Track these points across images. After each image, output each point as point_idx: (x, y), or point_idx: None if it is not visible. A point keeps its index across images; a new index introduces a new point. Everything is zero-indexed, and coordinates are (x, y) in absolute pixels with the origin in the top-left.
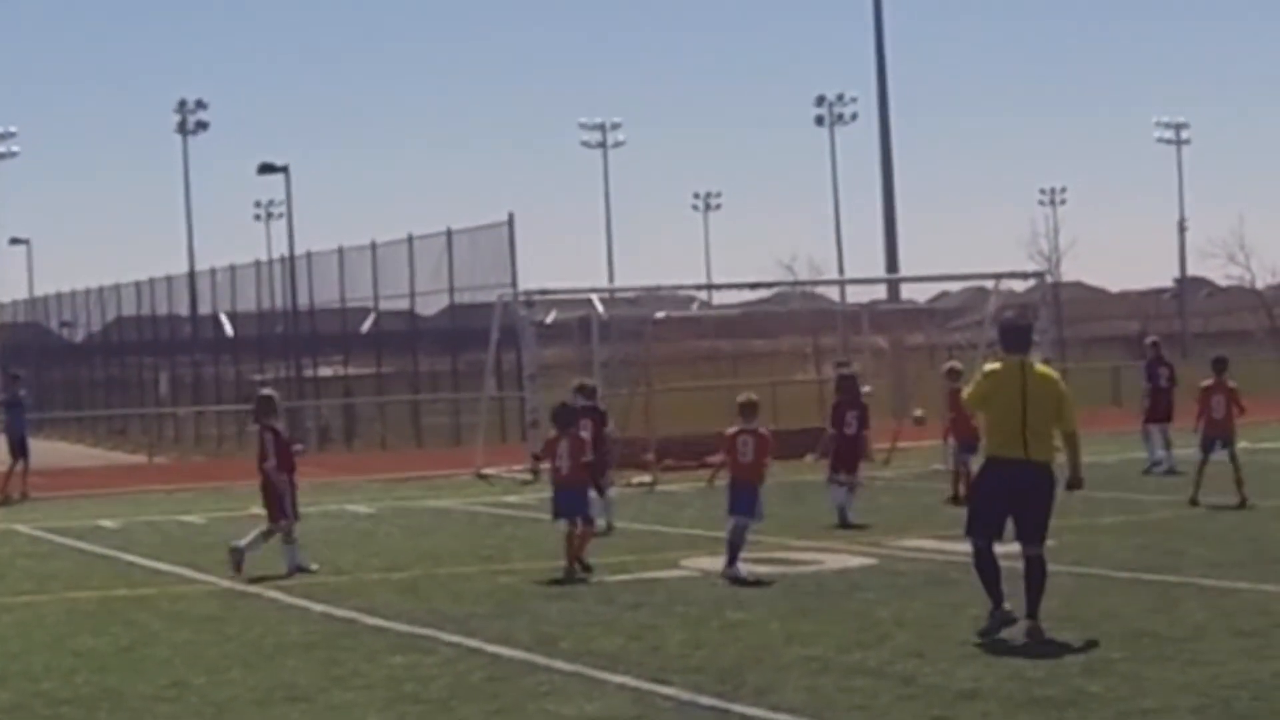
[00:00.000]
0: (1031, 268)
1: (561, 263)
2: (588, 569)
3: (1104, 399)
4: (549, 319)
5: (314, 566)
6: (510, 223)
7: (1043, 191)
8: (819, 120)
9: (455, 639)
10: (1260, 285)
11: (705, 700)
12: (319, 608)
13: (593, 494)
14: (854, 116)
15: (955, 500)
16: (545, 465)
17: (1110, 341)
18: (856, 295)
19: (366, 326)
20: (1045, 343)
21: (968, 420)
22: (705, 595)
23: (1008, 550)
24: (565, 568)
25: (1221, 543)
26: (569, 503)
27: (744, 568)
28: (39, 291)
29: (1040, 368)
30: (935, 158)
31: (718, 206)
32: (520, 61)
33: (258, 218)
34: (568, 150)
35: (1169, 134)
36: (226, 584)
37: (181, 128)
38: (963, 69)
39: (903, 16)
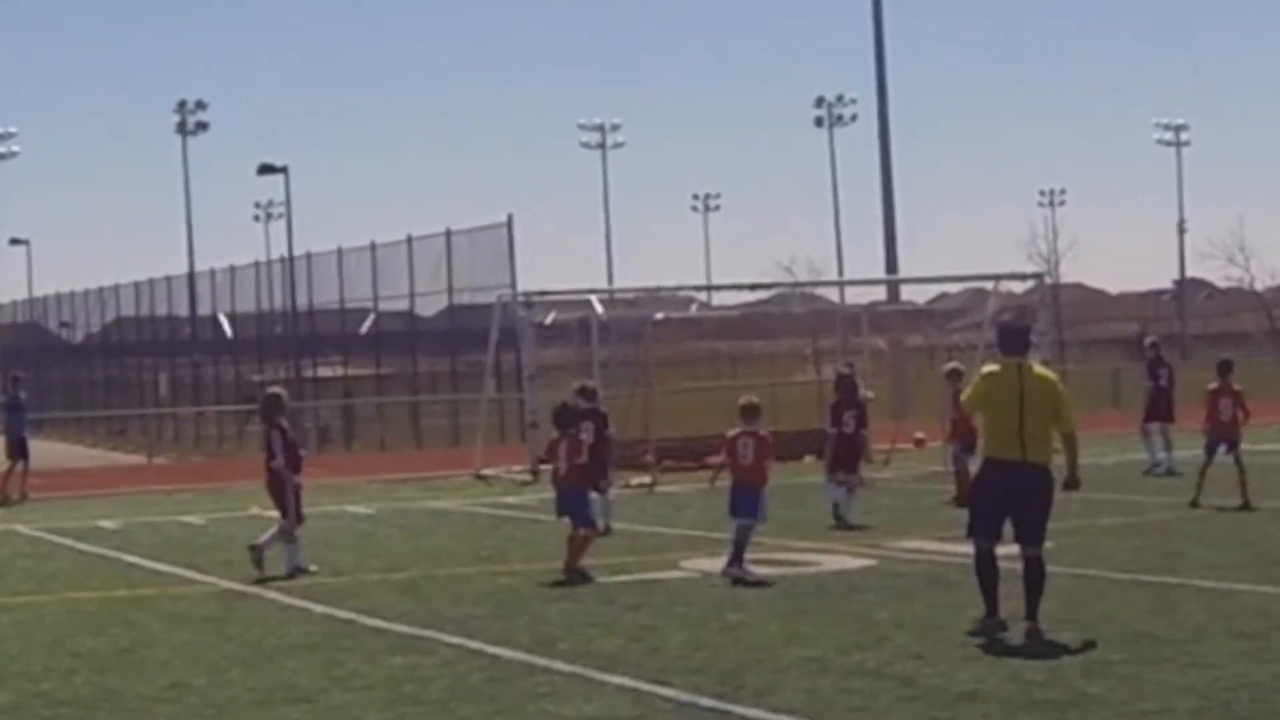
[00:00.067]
0: (1031, 269)
1: (561, 264)
2: (585, 578)
3: (1103, 401)
4: (548, 320)
5: (313, 568)
6: (509, 223)
7: (1042, 193)
8: (818, 121)
9: (455, 640)
10: (1260, 287)
11: (705, 701)
12: (319, 609)
13: (594, 495)
14: (853, 118)
15: (958, 502)
16: (548, 466)
17: (1110, 343)
18: (856, 296)
19: (366, 327)
20: (1045, 344)
21: (969, 421)
22: (705, 596)
23: (1007, 551)
24: (564, 567)
25: (1221, 545)
26: (566, 504)
27: (747, 571)
28: (38, 292)
29: (1038, 369)
30: (935, 159)
31: (717, 207)
32: (520, 62)
33: (257, 218)
34: (567, 151)
35: (1168, 135)
36: (226, 585)
37: (181, 128)
38: (962, 70)
39: (902, 18)
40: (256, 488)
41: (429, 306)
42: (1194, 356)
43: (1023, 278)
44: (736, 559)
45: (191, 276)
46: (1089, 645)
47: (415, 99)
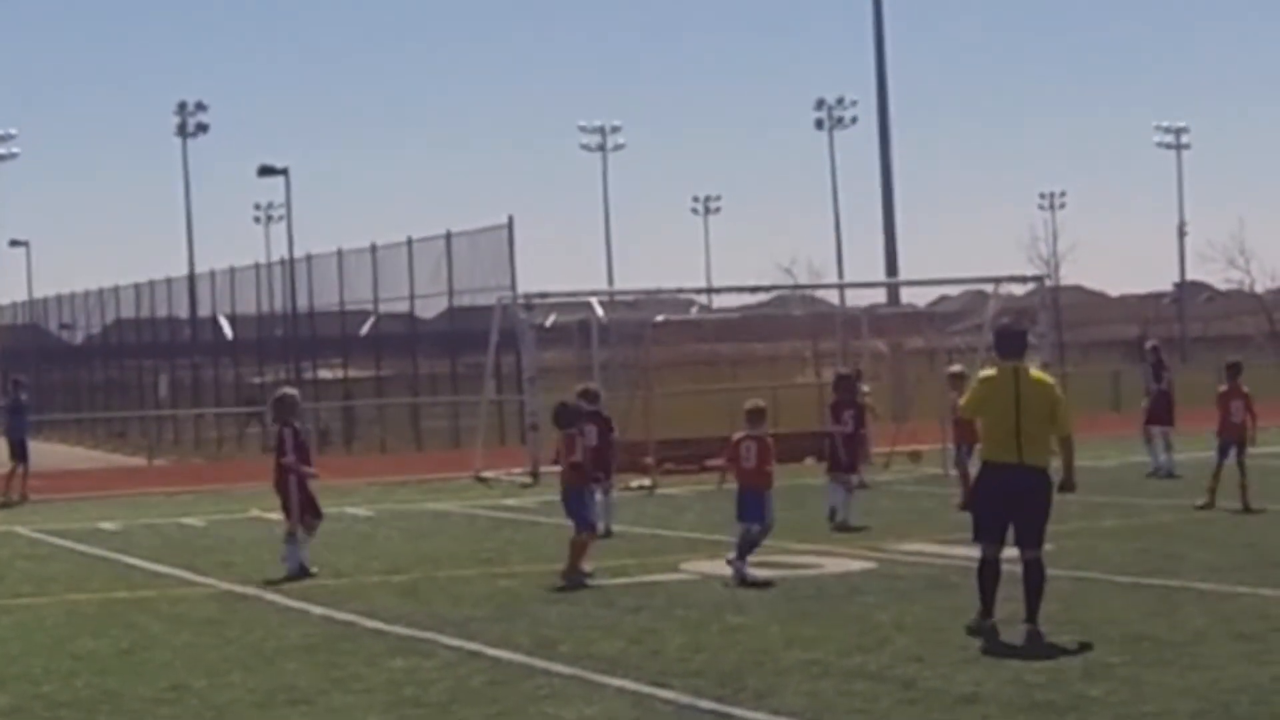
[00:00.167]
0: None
1: (561, 266)
2: (579, 582)
3: (1103, 403)
4: (548, 322)
5: (313, 569)
6: (510, 225)
7: (1042, 195)
8: (819, 124)
9: (455, 642)
10: (1260, 289)
11: (705, 704)
12: (319, 610)
13: (598, 497)
14: (854, 120)
15: (963, 505)
16: (559, 468)
17: (1110, 346)
18: (856, 299)
19: (366, 329)
20: (1045, 347)
21: (971, 424)
22: (705, 599)
23: (1007, 554)
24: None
25: (1221, 547)
26: (565, 504)
27: (749, 571)
28: (38, 293)
29: (1034, 372)
30: (935, 161)
31: (717, 210)
32: (520, 64)
33: (257, 220)
34: (567, 153)
35: (1169, 138)
36: (226, 587)
37: (181, 130)
38: (963, 73)
39: (903, 20)
40: (257, 490)
41: (429, 308)
42: (1194, 359)
43: (1023, 280)
44: (740, 555)
45: (192, 278)
46: (1084, 647)
47: (415, 100)
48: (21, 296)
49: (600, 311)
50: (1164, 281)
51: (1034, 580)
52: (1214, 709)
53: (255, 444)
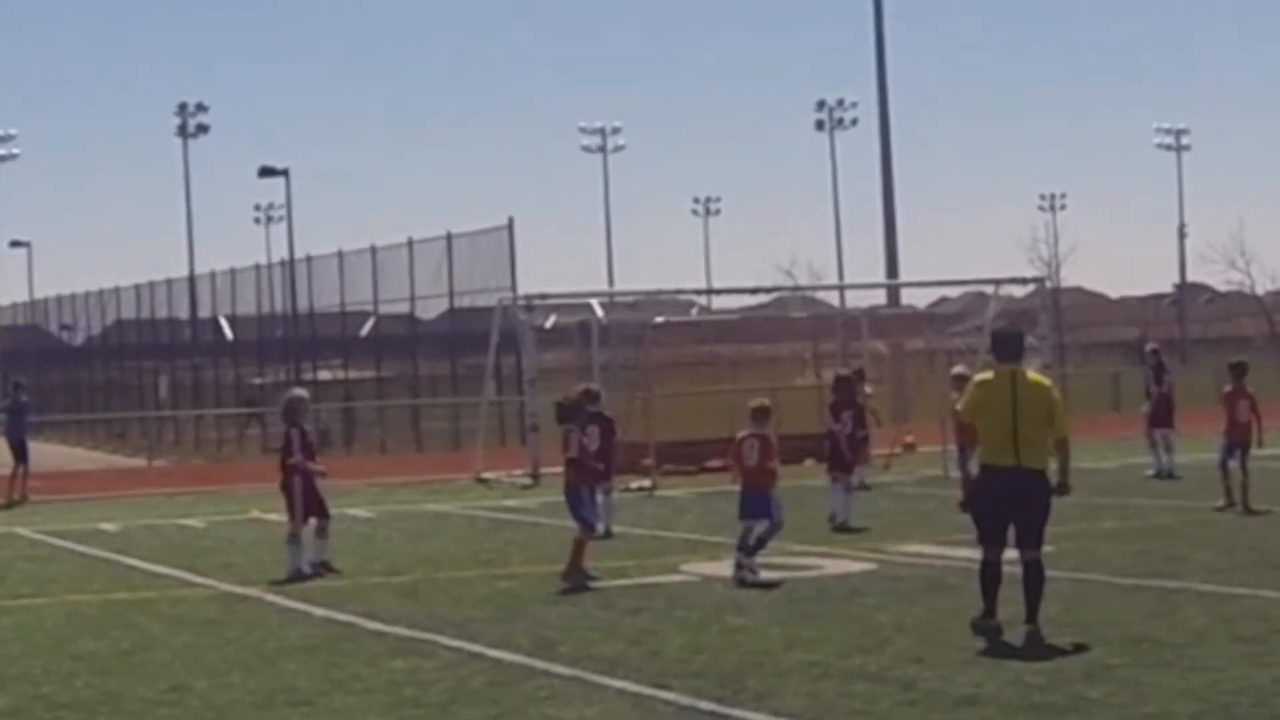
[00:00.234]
0: (1031, 273)
1: (561, 267)
2: (581, 584)
3: (1103, 405)
4: (549, 323)
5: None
6: (510, 227)
7: (1043, 197)
8: (819, 125)
9: (455, 643)
10: (1260, 291)
11: (705, 705)
12: (319, 612)
13: (599, 497)
14: (854, 121)
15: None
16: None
17: (1110, 347)
18: (856, 300)
19: (366, 330)
20: (1045, 348)
21: (973, 426)
22: (705, 600)
23: (1006, 555)
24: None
25: (1221, 548)
26: (567, 503)
27: (749, 574)
28: (39, 294)
29: (1031, 375)
30: (936, 163)
31: (717, 211)
32: (520, 65)
33: (258, 221)
34: (568, 154)
35: (1169, 139)
36: (226, 588)
37: (182, 131)
38: (963, 74)
39: (903, 21)
40: (257, 490)
41: (429, 309)
42: (1194, 361)
43: (1023, 281)
44: (748, 553)
45: (192, 279)
46: (1079, 647)
47: (415, 101)
48: (22, 297)
49: (600, 313)
50: (1164, 283)
51: (1033, 581)
52: (1214, 710)
53: (255, 445)
